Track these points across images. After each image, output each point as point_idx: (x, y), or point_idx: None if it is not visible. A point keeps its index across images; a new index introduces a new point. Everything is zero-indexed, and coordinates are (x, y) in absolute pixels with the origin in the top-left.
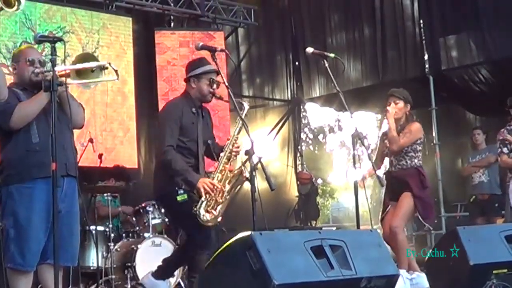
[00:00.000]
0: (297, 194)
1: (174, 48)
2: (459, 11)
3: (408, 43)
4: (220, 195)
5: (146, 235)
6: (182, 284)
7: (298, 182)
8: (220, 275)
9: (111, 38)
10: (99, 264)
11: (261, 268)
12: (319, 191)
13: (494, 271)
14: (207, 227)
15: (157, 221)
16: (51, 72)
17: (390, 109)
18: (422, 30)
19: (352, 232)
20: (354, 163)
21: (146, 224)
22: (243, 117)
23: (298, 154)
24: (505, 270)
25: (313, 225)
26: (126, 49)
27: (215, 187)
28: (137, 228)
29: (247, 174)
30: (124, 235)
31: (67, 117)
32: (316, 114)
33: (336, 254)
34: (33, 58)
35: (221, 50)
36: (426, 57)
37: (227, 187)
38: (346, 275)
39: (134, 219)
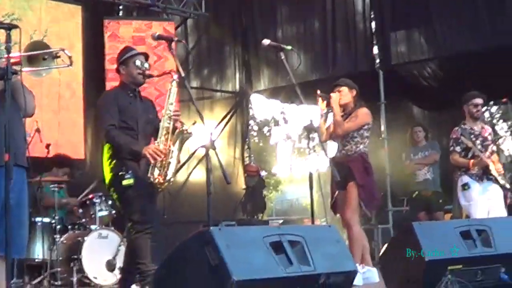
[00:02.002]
0: (244, 186)
1: (123, 37)
2: (409, 6)
3: (359, 37)
4: (168, 156)
5: (92, 227)
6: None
7: (246, 175)
8: (177, 272)
9: (60, 26)
10: (45, 257)
11: (220, 264)
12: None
13: (450, 267)
14: (151, 210)
15: (104, 213)
16: (2, 60)
17: (334, 95)
18: (372, 24)
19: (310, 227)
20: (310, 153)
21: (93, 216)
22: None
23: (246, 147)
24: (460, 266)
25: (260, 218)
26: (75, 38)
27: (160, 151)
28: (84, 220)
29: (186, 128)
30: (70, 227)
31: (18, 106)
32: (261, 106)
33: (295, 250)
34: None
35: (178, 41)
36: (376, 51)
37: (173, 147)
38: (305, 271)
39: (80, 210)
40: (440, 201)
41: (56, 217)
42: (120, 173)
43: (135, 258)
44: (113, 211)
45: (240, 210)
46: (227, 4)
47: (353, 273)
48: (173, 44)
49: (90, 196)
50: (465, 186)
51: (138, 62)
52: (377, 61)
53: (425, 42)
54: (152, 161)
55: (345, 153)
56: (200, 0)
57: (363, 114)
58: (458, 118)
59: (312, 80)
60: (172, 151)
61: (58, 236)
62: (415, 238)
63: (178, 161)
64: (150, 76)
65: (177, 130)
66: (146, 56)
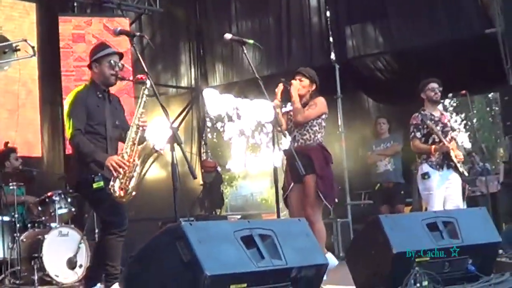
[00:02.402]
0: (201, 182)
1: (77, 34)
2: (364, 1)
3: (314, 31)
4: (131, 170)
5: (52, 225)
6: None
7: (203, 171)
8: (148, 268)
9: (15, 24)
10: (5, 255)
11: (192, 259)
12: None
13: (417, 259)
14: (123, 211)
15: (64, 210)
16: None
17: (295, 82)
18: (327, 18)
19: (280, 221)
20: (274, 144)
21: (53, 214)
22: (145, 92)
23: (202, 142)
24: (428, 258)
25: (218, 213)
26: (30, 36)
27: (123, 163)
28: (43, 218)
29: (156, 147)
30: (29, 225)
31: None
32: (214, 102)
33: (266, 244)
34: None
35: (140, 36)
36: (332, 45)
37: (137, 161)
38: (276, 265)
39: (39, 208)
40: (402, 192)
41: (16, 215)
42: (89, 177)
43: (105, 259)
44: (73, 209)
45: (198, 206)
46: (182, 0)
47: (324, 266)
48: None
49: (49, 193)
50: (425, 176)
51: (112, 62)
52: (333, 55)
53: (380, 35)
54: (115, 174)
55: (304, 143)
56: None
57: (322, 102)
58: (414, 112)
59: (267, 75)
60: (137, 164)
61: (18, 234)
62: (382, 231)
63: (140, 176)
64: (123, 79)
65: (144, 144)
66: (121, 56)
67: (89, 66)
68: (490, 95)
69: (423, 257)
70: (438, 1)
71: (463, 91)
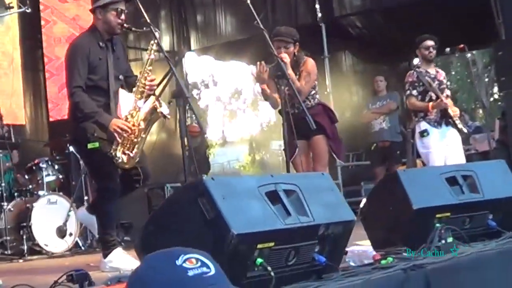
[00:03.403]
0: (186, 147)
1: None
2: None
3: None
4: (136, 134)
5: (40, 193)
6: (80, 244)
7: (188, 135)
8: (167, 228)
9: None
10: None
11: (217, 217)
12: None
13: (438, 215)
14: (116, 176)
15: (51, 178)
16: None
17: (286, 58)
18: None
19: (304, 175)
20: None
21: (40, 181)
22: (154, 47)
23: (187, 107)
24: (448, 214)
25: None
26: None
27: (128, 127)
28: (30, 186)
29: (163, 110)
30: (16, 194)
31: None
32: (190, 69)
33: (291, 200)
34: None
35: None
36: (317, 4)
37: (142, 124)
38: (303, 222)
39: (26, 176)
40: (398, 152)
41: (3, 184)
42: (85, 135)
43: (100, 226)
44: (60, 176)
45: (182, 172)
46: None
47: (352, 223)
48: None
49: (36, 161)
50: (424, 133)
51: (119, 10)
52: (319, 13)
53: None
54: (119, 139)
55: (307, 108)
56: None
57: (313, 66)
58: (403, 70)
59: (250, 36)
60: (142, 129)
61: (5, 204)
62: (400, 187)
63: (144, 142)
64: (130, 28)
65: (151, 107)
66: (126, 1)
67: (92, 11)
68: (468, 55)
69: (444, 213)
70: None
71: (461, 45)
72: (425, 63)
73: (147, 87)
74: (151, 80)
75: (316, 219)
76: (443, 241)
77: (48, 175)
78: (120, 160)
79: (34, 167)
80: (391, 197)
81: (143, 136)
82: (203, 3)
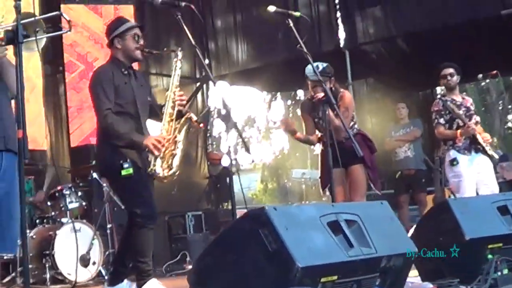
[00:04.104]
0: (207, 175)
1: (80, 22)
2: None
3: (322, 17)
4: (173, 146)
5: (64, 220)
6: (104, 273)
7: (209, 163)
8: (224, 259)
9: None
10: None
11: (280, 248)
12: None
13: (490, 246)
14: (152, 201)
15: (75, 205)
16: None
17: (321, 96)
18: (336, 3)
19: (363, 204)
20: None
21: (63, 208)
22: (178, 65)
23: (208, 134)
24: (500, 244)
25: (225, 207)
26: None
27: (165, 140)
28: (53, 213)
29: (194, 117)
30: (38, 221)
31: (3, 84)
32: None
33: (353, 230)
34: None
35: (187, 6)
36: (341, 30)
37: (179, 136)
38: (366, 254)
39: (48, 203)
40: (423, 180)
41: (26, 211)
42: (118, 162)
43: (135, 255)
44: (84, 203)
45: (204, 200)
46: None
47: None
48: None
49: (59, 187)
50: (454, 162)
51: (136, 36)
52: (342, 40)
53: (390, 19)
54: (156, 153)
55: (345, 137)
56: None
57: (350, 101)
58: (429, 97)
59: (275, 63)
60: (179, 141)
61: (28, 231)
62: (451, 216)
63: (184, 152)
64: (150, 52)
65: (183, 118)
66: (141, 29)
67: (110, 44)
68: (483, 84)
69: (496, 243)
70: None
71: (494, 72)
72: (448, 91)
73: (177, 101)
74: (180, 95)
75: (379, 251)
76: (499, 273)
77: (72, 202)
78: (161, 175)
79: (57, 194)
80: (441, 226)
81: (180, 147)
82: (218, 31)
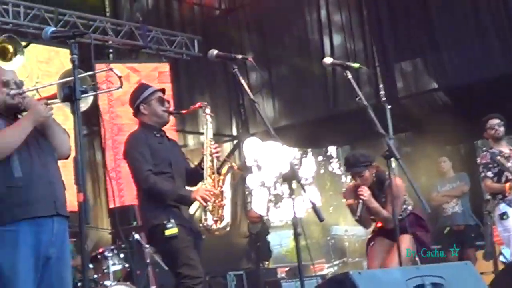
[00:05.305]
0: (247, 234)
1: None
2: (413, 35)
3: (361, 71)
4: (220, 197)
5: (107, 283)
6: None
7: (248, 221)
8: None
9: (49, 66)
10: None
11: None
12: None
13: None
14: (198, 262)
15: (118, 267)
16: (29, 94)
17: (366, 194)
18: (375, 56)
19: (448, 266)
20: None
21: (105, 271)
22: (208, 118)
23: (247, 192)
24: None
25: (266, 266)
26: None
27: (211, 191)
28: (95, 276)
29: (235, 165)
30: (79, 284)
31: (50, 145)
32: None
33: None
34: (8, 78)
35: (243, 58)
36: (381, 84)
37: (224, 187)
38: None
39: (90, 266)
40: (473, 235)
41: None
42: (161, 223)
43: None
44: (126, 265)
45: (244, 259)
46: (219, 44)
47: None
48: None
49: (101, 249)
50: (503, 216)
51: (160, 99)
52: (382, 94)
53: (432, 71)
54: (204, 204)
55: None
56: (192, 40)
57: (398, 189)
58: (471, 150)
59: (312, 120)
60: (223, 191)
61: None
62: None
63: (234, 203)
64: (178, 113)
65: (225, 168)
66: (163, 92)
67: (136, 111)
68: None
69: None
70: (492, 33)
71: None
72: (495, 143)
73: (214, 154)
74: (216, 147)
75: None
76: None
77: (114, 264)
78: (214, 227)
79: (98, 256)
80: None
81: (228, 197)
82: (252, 87)
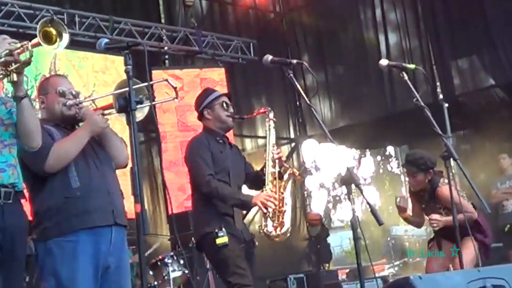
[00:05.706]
0: (307, 236)
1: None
2: (468, 32)
3: (417, 70)
4: (281, 203)
5: None
6: None
7: (308, 224)
8: None
9: (105, 75)
10: None
11: None
12: None
13: None
14: (249, 272)
15: (177, 273)
16: (87, 104)
17: (438, 227)
18: (431, 55)
19: (510, 267)
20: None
21: (166, 277)
22: (271, 124)
23: (306, 194)
24: None
25: (327, 268)
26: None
27: (272, 197)
28: (156, 283)
29: (296, 171)
30: None
31: (107, 155)
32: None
33: None
34: (64, 89)
35: (298, 63)
36: (438, 83)
37: (285, 193)
38: None
39: (150, 273)
40: None
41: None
42: (213, 231)
43: None
44: (186, 271)
45: (305, 262)
46: (274, 47)
47: None
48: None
49: (160, 256)
50: None
51: (224, 105)
52: (439, 92)
53: (489, 68)
54: (265, 210)
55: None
56: (248, 44)
57: (446, 197)
58: None
59: (370, 120)
60: (284, 197)
61: None
62: None
63: (294, 209)
64: (242, 118)
65: (286, 174)
66: (229, 96)
67: (200, 116)
68: None
69: None
70: None
71: None
72: None
73: (277, 159)
74: (278, 153)
75: None
76: None
77: (174, 270)
78: (274, 234)
79: (158, 263)
80: None
81: (289, 203)
82: (308, 89)
